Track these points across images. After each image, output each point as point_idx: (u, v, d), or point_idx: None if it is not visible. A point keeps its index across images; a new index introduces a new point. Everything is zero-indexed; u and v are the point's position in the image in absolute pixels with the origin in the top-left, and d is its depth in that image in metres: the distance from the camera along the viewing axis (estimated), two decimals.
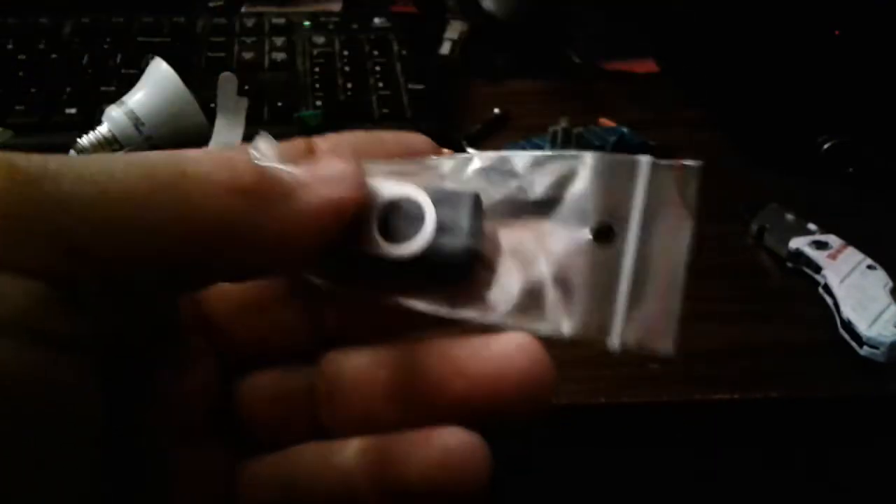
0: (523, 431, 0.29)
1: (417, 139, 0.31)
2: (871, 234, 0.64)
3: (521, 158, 0.30)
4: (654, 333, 0.31)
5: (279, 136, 0.79)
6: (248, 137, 0.68)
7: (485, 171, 0.30)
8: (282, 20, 0.90)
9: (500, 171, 0.30)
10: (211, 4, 0.96)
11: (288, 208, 0.26)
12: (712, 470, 0.60)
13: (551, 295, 0.30)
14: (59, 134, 0.71)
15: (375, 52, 0.84)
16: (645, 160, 0.30)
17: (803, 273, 0.64)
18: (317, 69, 0.82)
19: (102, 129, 0.67)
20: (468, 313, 0.29)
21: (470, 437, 0.27)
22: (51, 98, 0.75)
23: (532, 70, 0.88)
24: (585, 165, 0.30)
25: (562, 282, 0.30)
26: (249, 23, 0.89)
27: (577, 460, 0.58)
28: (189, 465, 0.28)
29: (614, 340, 0.30)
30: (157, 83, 0.68)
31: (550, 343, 0.61)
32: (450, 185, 0.30)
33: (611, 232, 0.30)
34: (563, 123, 0.74)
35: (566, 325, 0.31)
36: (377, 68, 0.82)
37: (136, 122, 0.67)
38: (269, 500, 0.28)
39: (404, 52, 0.85)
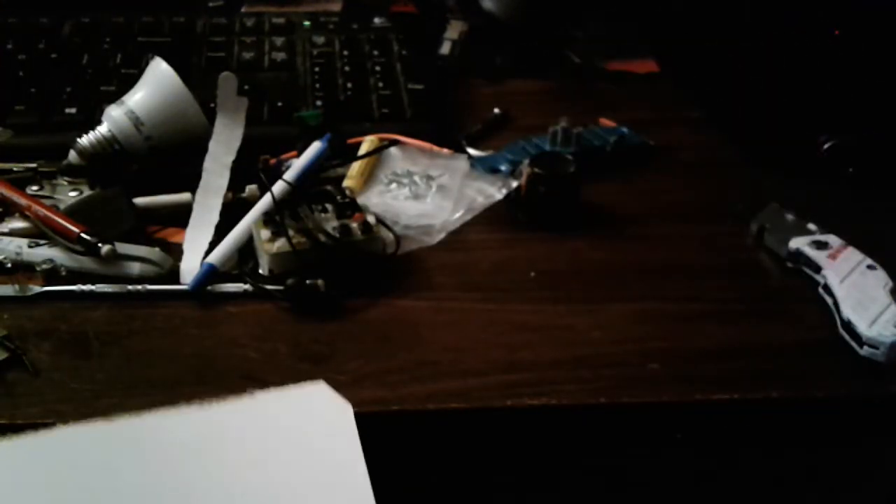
0: None
1: None
2: (871, 234, 0.64)
3: None
4: None
5: (279, 135, 0.79)
6: (249, 137, 0.69)
7: None
8: (282, 20, 0.90)
9: None
10: (211, 4, 0.96)
11: None
12: (712, 470, 0.60)
13: None
14: (58, 134, 0.71)
15: (375, 52, 0.84)
16: None
17: (803, 273, 0.64)
18: (317, 69, 0.82)
19: (102, 129, 0.67)
20: None
21: None
22: (51, 98, 0.75)
23: (532, 70, 0.88)
24: None
25: None
26: (249, 23, 0.89)
27: (577, 460, 0.58)
28: None
29: None
30: (157, 83, 0.68)
31: (553, 342, 0.62)
32: None
33: None
34: (563, 123, 0.74)
35: None
36: (377, 68, 0.82)
37: (136, 121, 0.67)
38: None
39: (404, 52, 0.85)
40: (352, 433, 0.47)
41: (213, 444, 0.47)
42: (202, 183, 0.66)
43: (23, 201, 0.64)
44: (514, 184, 0.69)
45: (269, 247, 0.61)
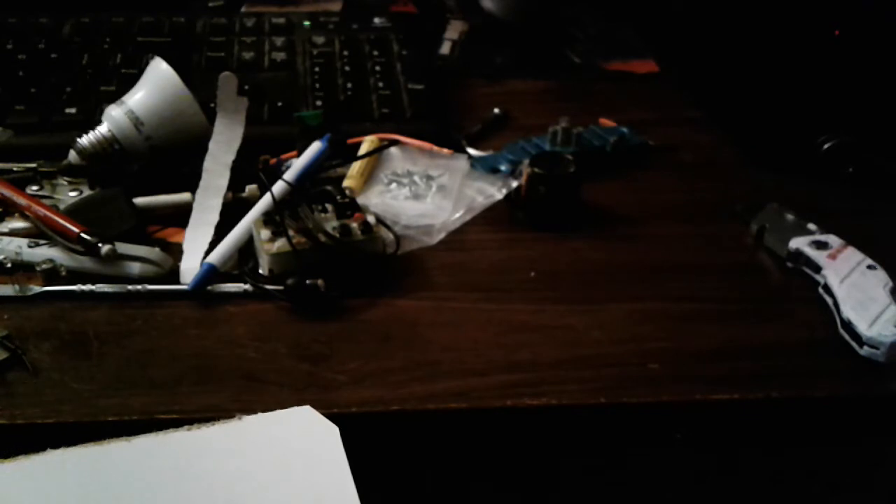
0: None
1: None
2: (871, 234, 0.64)
3: None
4: None
5: (279, 135, 0.79)
6: (249, 137, 0.69)
7: None
8: (282, 20, 0.90)
9: None
10: (211, 4, 0.96)
11: None
12: (712, 470, 0.60)
13: None
14: (59, 134, 0.71)
15: (375, 52, 0.84)
16: None
17: (803, 273, 0.64)
18: (317, 69, 0.82)
19: (102, 129, 0.68)
20: None
21: None
22: (51, 98, 0.75)
23: (532, 70, 0.88)
24: None
25: None
26: (249, 23, 0.89)
27: (577, 460, 0.58)
28: None
29: None
30: (157, 83, 0.68)
31: (553, 342, 0.61)
32: None
33: None
34: (563, 123, 0.74)
35: None
36: (377, 68, 0.82)
37: (136, 121, 0.67)
38: None
39: (404, 52, 0.85)
40: (340, 456, 0.47)
41: (200, 468, 0.47)
42: (202, 183, 0.66)
43: (23, 201, 0.64)
44: (514, 184, 0.69)
45: (269, 247, 0.61)
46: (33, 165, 0.68)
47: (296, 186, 0.66)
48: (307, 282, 0.59)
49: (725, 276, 0.64)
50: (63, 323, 0.58)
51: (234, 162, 0.67)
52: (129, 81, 0.70)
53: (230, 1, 0.96)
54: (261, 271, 0.62)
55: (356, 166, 0.70)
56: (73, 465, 0.47)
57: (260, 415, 0.50)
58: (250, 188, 0.67)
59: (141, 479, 0.47)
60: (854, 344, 0.58)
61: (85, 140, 0.67)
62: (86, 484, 0.47)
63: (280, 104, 0.76)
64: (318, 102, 0.77)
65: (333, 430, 0.49)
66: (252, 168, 0.67)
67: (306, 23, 0.89)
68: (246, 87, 0.73)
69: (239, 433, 0.49)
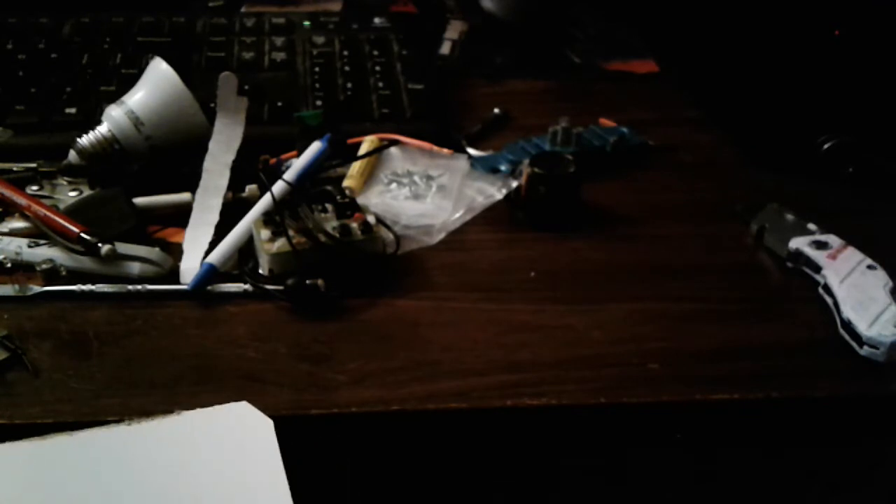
0: None
1: None
2: (871, 234, 0.64)
3: None
4: None
5: (279, 135, 0.79)
6: (249, 137, 0.69)
7: None
8: (282, 20, 0.90)
9: None
10: (211, 4, 0.96)
11: None
12: (712, 470, 0.60)
13: None
14: (58, 134, 0.71)
15: (375, 52, 0.84)
16: None
17: (803, 273, 0.64)
18: (317, 69, 0.82)
19: (102, 129, 0.68)
20: None
21: None
22: (51, 98, 0.75)
23: (532, 70, 0.88)
24: None
25: None
26: (249, 23, 0.89)
27: (577, 460, 0.58)
28: None
29: None
30: (157, 83, 0.68)
31: (553, 342, 0.62)
32: None
33: None
34: (563, 123, 0.74)
35: None
36: (377, 68, 0.82)
37: (136, 121, 0.67)
38: None
39: (404, 52, 0.85)
40: (273, 450, 0.48)
41: (137, 461, 0.48)
42: (202, 183, 0.66)
43: (23, 201, 0.64)
44: (514, 184, 0.69)
45: (269, 247, 0.61)
46: (33, 165, 0.68)
47: (296, 186, 0.66)
48: (307, 282, 0.59)
49: (725, 276, 0.64)
50: (63, 323, 0.58)
51: (234, 162, 0.67)
52: (129, 81, 0.70)
53: (230, 1, 0.96)
54: (261, 271, 0.62)
55: (356, 166, 0.70)
56: (11, 459, 0.48)
57: (198, 410, 0.51)
58: (250, 188, 0.67)
59: (79, 472, 0.47)
60: (854, 344, 0.58)
61: (85, 140, 0.67)
62: (23, 478, 0.47)
63: (280, 104, 0.76)
64: (318, 102, 0.77)
65: (268, 425, 0.49)
66: (252, 168, 0.67)
67: (306, 23, 0.89)
68: (246, 87, 0.73)
69: (176, 427, 0.50)
